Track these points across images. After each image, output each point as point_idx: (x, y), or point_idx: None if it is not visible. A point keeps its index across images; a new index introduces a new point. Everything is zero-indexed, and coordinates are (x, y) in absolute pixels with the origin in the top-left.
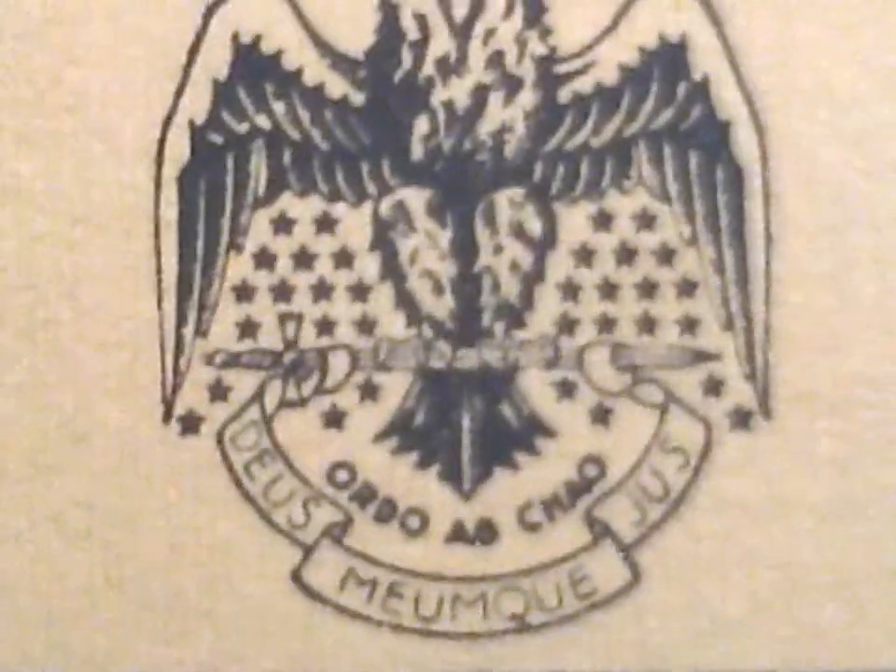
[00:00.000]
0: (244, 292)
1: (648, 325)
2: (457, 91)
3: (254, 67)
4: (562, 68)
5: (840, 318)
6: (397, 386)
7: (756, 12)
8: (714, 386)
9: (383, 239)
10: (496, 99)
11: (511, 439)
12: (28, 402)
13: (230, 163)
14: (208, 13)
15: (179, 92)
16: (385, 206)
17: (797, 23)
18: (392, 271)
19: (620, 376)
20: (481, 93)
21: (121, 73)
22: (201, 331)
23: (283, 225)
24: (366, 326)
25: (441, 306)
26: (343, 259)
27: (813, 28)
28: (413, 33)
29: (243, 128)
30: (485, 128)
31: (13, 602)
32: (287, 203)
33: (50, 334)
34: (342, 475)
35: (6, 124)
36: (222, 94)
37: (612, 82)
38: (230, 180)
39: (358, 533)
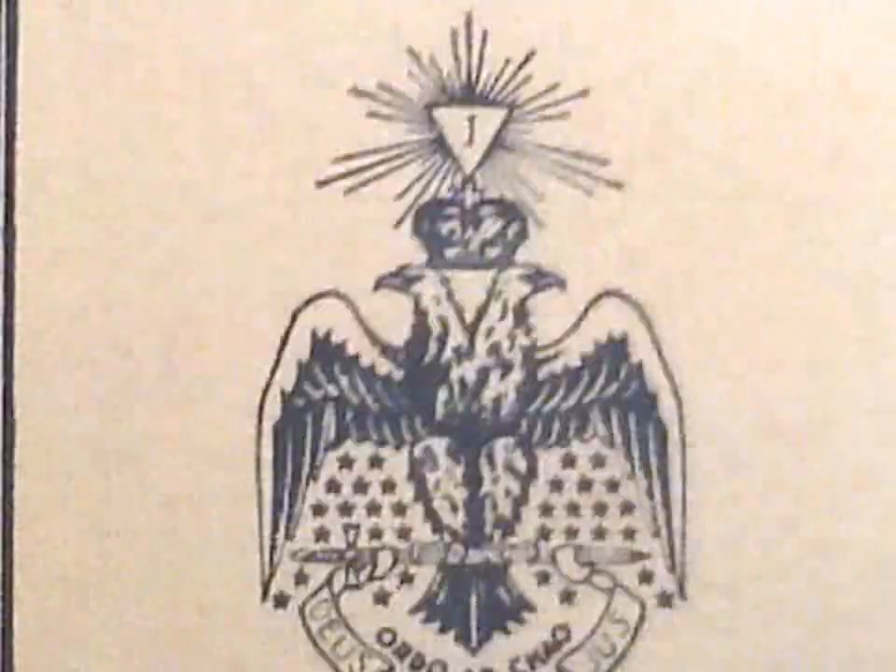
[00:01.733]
0: (318, 509)
1: (600, 533)
2: (468, 371)
3: (326, 353)
4: (540, 355)
5: (735, 528)
6: (426, 576)
7: (677, 317)
8: (647, 577)
9: (416, 473)
10: (494, 376)
11: (505, 613)
12: (164, 585)
13: (309, 420)
14: (294, 315)
15: (274, 370)
16: (418, 450)
17: (707, 322)
18: (422, 495)
19: (581, 569)
20: (484, 372)
21: (232, 357)
22: (289, 536)
23: (346, 463)
24: (404, 533)
25: (457, 520)
26: (388, 486)
27: (721, 322)
28: (436, 330)
29: (318, 395)
30: (487, 396)
31: None
32: (349, 447)
33: (179, 538)
34: (387, 637)
35: (147, 378)
36: (304, 371)
37: (575, 365)
38: (309, 431)
39: None
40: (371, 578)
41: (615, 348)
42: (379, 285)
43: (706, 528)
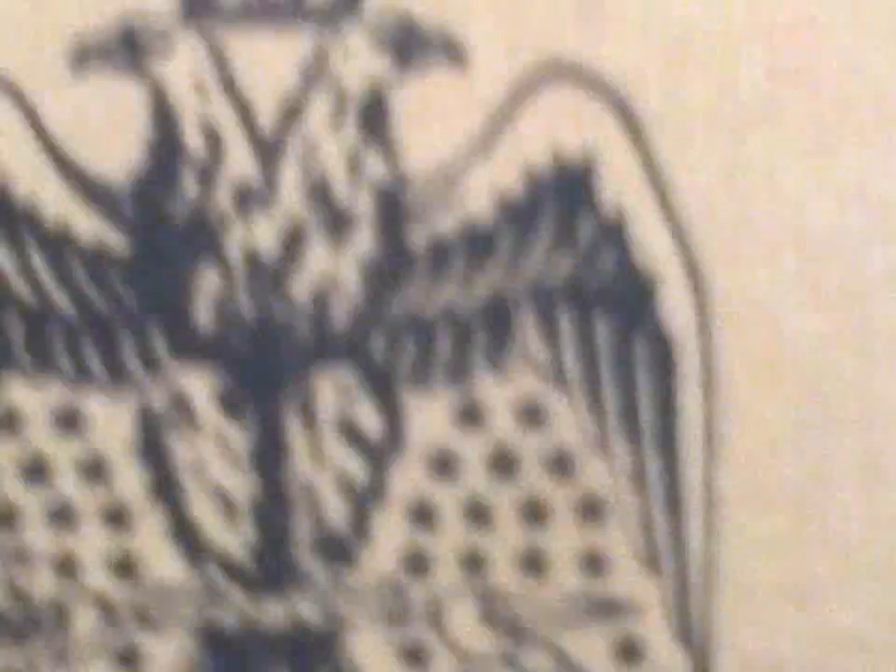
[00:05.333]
0: None
1: (533, 564)
2: (262, 232)
3: None
4: (412, 199)
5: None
6: (167, 653)
7: (687, 123)
8: (630, 650)
9: (152, 442)
10: (317, 242)
11: None
12: None
13: None
14: None
15: None
16: (157, 396)
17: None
18: (165, 488)
19: (493, 637)
20: (295, 234)
21: None
22: None
23: (8, 422)
24: (125, 567)
25: (235, 538)
26: (93, 470)
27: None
28: (198, 149)
29: None
30: (302, 284)
31: None
32: (16, 391)
33: None
34: None
35: None
36: None
37: (484, 220)
38: None
39: None
40: (60, 659)
41: (568, 183)
42: (81, 62)
43: (753, 551)
